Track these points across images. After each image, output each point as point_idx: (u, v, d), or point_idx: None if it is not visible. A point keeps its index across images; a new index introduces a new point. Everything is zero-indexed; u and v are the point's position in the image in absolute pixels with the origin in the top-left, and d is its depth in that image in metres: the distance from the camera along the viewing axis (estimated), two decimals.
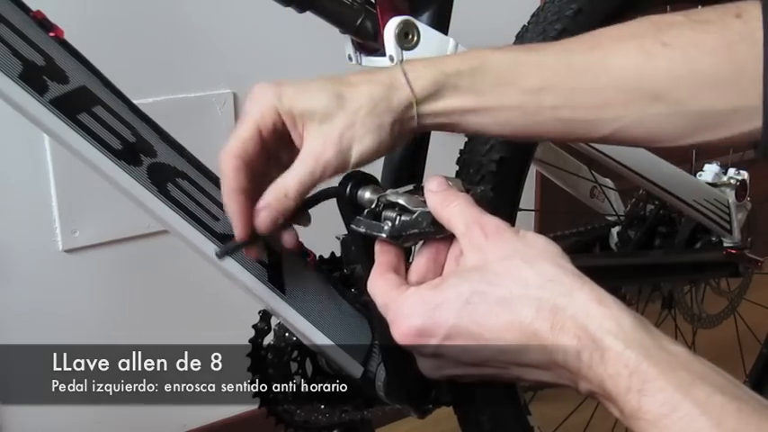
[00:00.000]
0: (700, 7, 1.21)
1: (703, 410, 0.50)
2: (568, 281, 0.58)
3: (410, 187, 0.71)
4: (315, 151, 0.70)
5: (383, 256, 0.69)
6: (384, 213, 0.69)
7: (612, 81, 0.70)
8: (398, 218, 0.67)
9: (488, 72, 0.71)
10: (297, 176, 0.70)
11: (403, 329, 0.62)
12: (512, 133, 0.74)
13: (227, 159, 0.70)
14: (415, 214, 0.67)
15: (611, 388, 0.53)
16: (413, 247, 0.71)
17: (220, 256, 0.77)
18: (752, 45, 0.66)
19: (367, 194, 0.72)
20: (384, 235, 0.67)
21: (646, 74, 0.69)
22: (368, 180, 0.73)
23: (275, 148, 0.73)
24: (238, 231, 0.73)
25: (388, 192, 0.70)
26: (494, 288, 0.59)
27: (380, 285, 0.66)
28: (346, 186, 0.72)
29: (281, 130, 0.71)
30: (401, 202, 0.68)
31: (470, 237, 0.63)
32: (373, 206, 0.70)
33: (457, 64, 0.71)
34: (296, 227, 0.78)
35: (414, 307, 0.62)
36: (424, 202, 0.68)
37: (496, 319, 0.58)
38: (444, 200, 0.66)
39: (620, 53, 0.70)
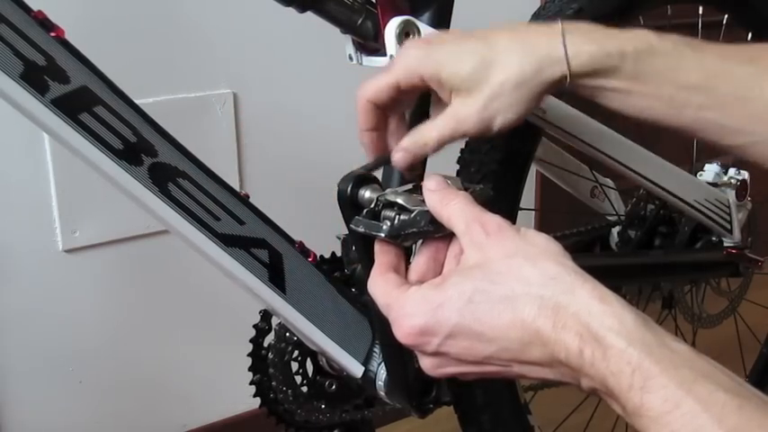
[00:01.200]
0: (701, 9, 1.21)
1: (705, 407, 0.49)
2: (570, 279, 0.58)
3: (409, 186, 0.71)
4: (459, 115, 0.72)
5: (383, 255, 0.69)
6: (383, 213, 0.69)
7: (763, 98, 0.71)
8: (397, 217, 0.67)
9: (652, 58, 0.71)
10: (438, 132, 0.73)
11: (405, 329, 0.62)
12: (650, 119, 0.75)
13: (360, 100, 0.75)
14: (414, 213, 0.67)
15: (613, 385, 0.53)
16: (413, 247, 0.71)
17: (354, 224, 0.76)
18: None
19: (367, 194, 0.72)
20: (383, 234, 0.67)
21: None
22: (368, 179, 0.73)
23: (412, 95, 0.76)
24: (396, 154, 0.77)
25: (388, 191, 0.70)
26: (496, 286, 0.59)
27: (381, 285, 0.66)
28: (347, 186, 0.72)
29: (422, 86, 0.74)
30: (400, 201, 0.68)
31: (471, 235, 0.63)
32: (372, 206, 0.70)
33: (622, 44, 0.71)
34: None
35: (415, 306, 0.62)
36: (423, 201, 0.68)
37: (499, 317, 0.58)
38: (443, 198, 0.66)
39: None
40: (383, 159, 0.78)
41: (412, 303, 0.62)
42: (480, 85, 0.71)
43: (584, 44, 0.71)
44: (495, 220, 0.63)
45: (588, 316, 0.55)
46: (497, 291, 0.59)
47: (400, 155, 0.75)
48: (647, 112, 0.74)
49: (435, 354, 0.63)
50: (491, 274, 0.60)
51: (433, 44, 0.74)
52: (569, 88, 0.73)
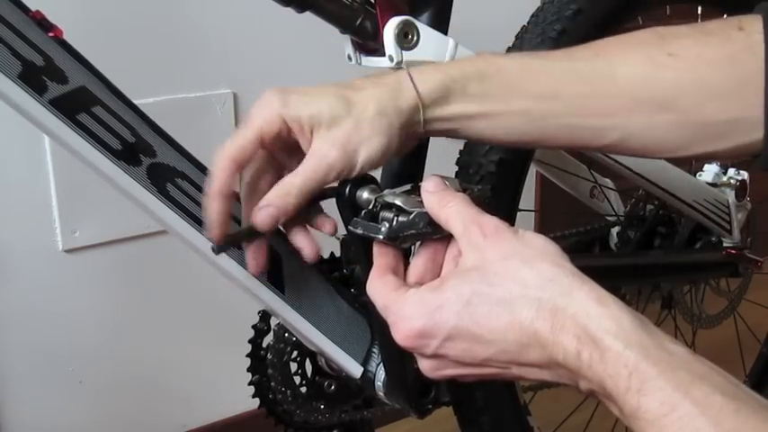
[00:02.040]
0: (699, 9, 1.22)
1: (702, 410, 0.49)
2: (568, 281, 0.58)
3: (407, 187, 0.71)
4: (321, 154, 0.70)
5: (381, 257, 0.69)
6: (381, 214, 0.69)
7: (619, 89, 0.70)
8: (396, 219, 0.67)
9: (496, 77, 0.71)
10: (301, 177, 0.71)
11: (404, 331, 0.62)
12: (517, 140, 0.75)
13: (220, 160, 0.71)
14: (412, 215, 0.67)
15: (610, 387, 0.53)
16: (411, 248, 0.71)
17: (216, 251, 0.77)
18: (754, 57, 0.67)
19: (365, 195, 0.72)
20: (381, 236, 0.67)
21: (652, 83, 0.70)
22: (366, 181, 0.73)
23: (280, 154, 0.74)
24: (213, 230, 0.74)
25: (386, 192, 0.70)
26: (494, 288, 0.59)
27: (379, 287, 0.66)
28: (345, 187, 0.72)
29: (286, 138, 0.72)
30: (398, 202, 0.68)
31: (469, 237, 0.63)
32: (370, 207, 0.70)
33: (464, 68, 0.72)
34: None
35: (414, 309, 0.62)
36: (422, 202, 0.68)
37: (497, 319, 0.59)
38: (441, 200, 0.66)
39: (627, 62, 0.71)
40: (247, 231, 0.76)
41: (410, 306, 0.62)
42: (340, 119, 0.70)
43: (429, 73, 0.72)
44: (492, 221, 0.63)
45: (586, 318, 0.55)
46: (495, 293, 0.59)
47: (265, 211, 0.71)
48: (514, 132, 0.73)
49: (434, 356, 0.63)
50: (489, 276, 0.60)
51: (289, 91, 0.72)
52: (429, 127, 0.73)
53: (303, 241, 0.77)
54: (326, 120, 0.70)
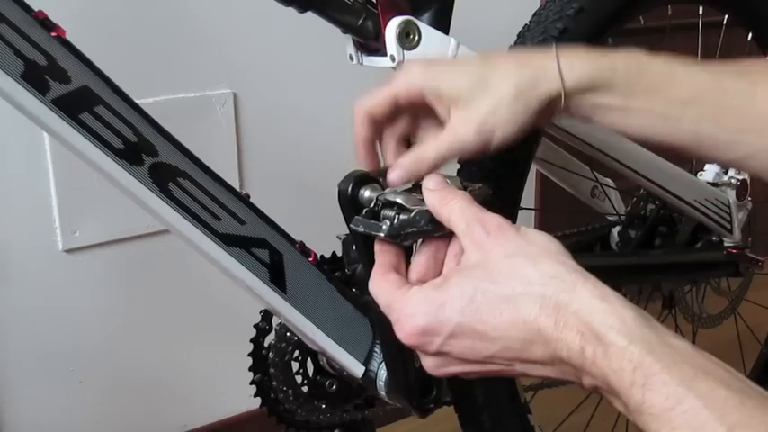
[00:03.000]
0: (701, 9, 1.21)
1: (707, 404, 0.50)
2: (571, 277, 0.58)
3: (409, 186, 0.72)
4: (457, 131, 0.73)
5: (383, 255, 0.69)
6: (383, 212, 0.69)
7: (757, 109, 0.72)
8: (397, 217, 0.68)
9: (644, 75, 0.73)
10: (436, 149, 0.74)
11: (407, 329, 0.63)
12: (648, 137, 0.76)
13: (357, 111, 0.76)
14: (414, 213, 0.67)
15: (614, 383, 0.53)
16: (413, 246, 0.71)
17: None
18: None
19: (366, 193, 0.72)
20: (382, 234, 0.67)
21: None
22: (368, 179, 0.73)
23: (409, 112, 0.77)
24: (366, 163, 0.78)
25: (387, 191, 0.71)
26: (497, 286, 0.60)
27: (382, 285, 0.66)
28: (347, 186, 0.72)
29: (420, 104, 0.75)
30: (399, 200, 0.68)
31: (471, 234, 0.63)
32: (372, 205, 0.70)
33: (613, 61, 0.73)
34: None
35: (417, 306, 0.62)
36: (423, 200, 0.68)
37: (500, 316, 0.59)
38: (443, 198, 0.66)
39: None
40: (383, 172, 0.77)
41: (414, 304, 0.63)
42: (478, 99, 0.72)
43: (577, 61, 0.73)
44: (495, 219, 0.64)
45: (589, 314, 0.55)
46: (499, 290, 0.59)
47: (397, 172, 0.74)
48: (645, 129, 0.75)
49: (437, 353, 0.64)
50: (492, 274, 0.60)
51: (433, 62, 0.76)
52: (566, 109, 0.74)
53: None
54: (465, 98, 0.72)
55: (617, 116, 0.74)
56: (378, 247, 0.70)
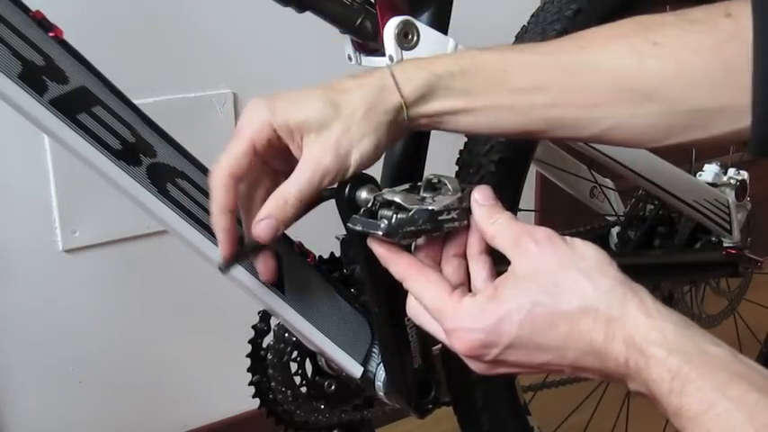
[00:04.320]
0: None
1: (738, 407, 0.53)
2: (620, 292, 0.61)
3: (406, 186, 0.72)
4: (313, 159, 0.70)
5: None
6: (380, 212, 0.70)
7: (603, 81, 0.71)
8: (395, 216, 0.68)
9: (479, 72, 0.72)
10: (296, 184, 0.71)
11: (467, 343, 0.65)
12: (503, 131, 0.76)
13: (218, 177, 0.71)
14: (412, 212, 0.67)
15: (655, 390, 0.57)
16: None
17: (224, 270, 0.77)
18: (741, 44, 0.67)
19: (364, 194, 0.72)
20: (380, 232, 0.68)
21: (636, 73, 0.70)
22: (365, 180, 0.73)
23: (271, 161, 0.74)
24: (224, 249, 0.75)
25: (385, 191, 0.71)
26: (553, 299, 0.62)
27: (427, 287, 0.68)
28: (345, 187, 0.72)
29: (277, 144, 0.72)
30: (397, 200, 0.68)
31: (519, 246, 0.65)
32: (370, 205, 0.70)
33: (447, 65, 0.72)
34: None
35: (476, 321, 0.64)
36: (421, 200, 0.69)
37: (557, 329, 0.62)
38: (490, 216, 0.68)
39: (611, 53, 0.71)
40: (251, 246, 0.76)
41: (471, 317, 0.65)
42: (330, 121, 0.70)
43: (413, 71, 0.72)
44: (543, 230, 0.66)
45: (634, 329, 0.59)
46: (555, 304, 0.62)
47: (264, 223, 0.71)
48: (499, 125, 0.74)
49: (492, 362, 0.66)
50: (547, 286, 0.62)
51: (274, 97, 0.73)
52: (414, 121, 0.73)
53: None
54: (315, 125, 0.70)
55: (465, 118, 0.73)
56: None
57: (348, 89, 0.72)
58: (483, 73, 0.72)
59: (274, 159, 0.74)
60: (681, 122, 0.71)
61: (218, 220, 0.72)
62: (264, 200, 0.72)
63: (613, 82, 0.70)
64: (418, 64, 0.73)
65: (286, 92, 0.73)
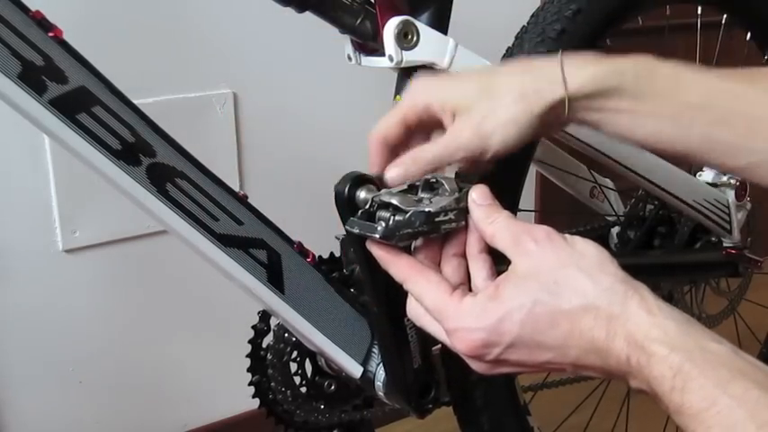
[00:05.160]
0: (699, 9, 1.21)
1: (739, 404, 0.53)
2: (622, 290, 0.61)
3: (404, 186, 0.72)
4: (455, 132, 0.73)
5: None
6: (378, 213, 0.70)
7: (766, 114, 0.71)
8: (392, 218, 0.68)
9: (653, 78, 0.72)
10: (433, 149, 0.73)
11: (468, 343, 0.65)
12: (660, 143, 0.75)
13: (371, 140, 0.76)
14: (409, 214, 0.67)
15: (657, 388, 0.57)
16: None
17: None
18: None
19: (362, 195, 0.72)
20: (377, 235, 0.67)
21: None
22: (365, 180, 0.73)
23: (421, 130, 0.77)
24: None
25: (382, 192, 0.71)
26: (554, 298, 0.62)
27: (427, 288, 0.68)
28: (344, 187, 0.72)
29: (427, 121, 0.75)
30: (394, 202, 0.68)
31: (519, 245, 0.65)
32: (367, 206, 0.70)
33: (620, 65, 0.72)
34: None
35: (478, 320, 0.64)
36: (418, 201, 0.69)
37: (558, 327, 0.62)
38: (488, 216, 0.68)
39: None
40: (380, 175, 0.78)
41: (473, 317, 0.65)
42: (479, 103, 0.72)
43: (583, 66, 0.72)
44: (542, 228, 0.66)
45: (636, 326, 0.59)
46: (556, 302, 0.62)
47: (394, 170, 0.74)
48: (655, 133, 0.74)
49: (493, 361, 0.66)
50: (548, 285, 0.62)
51: (438, 79, 0.77)
52: (572, 115, 0.73)
53: None
54: (467, 104, 0.73)
55: (626, 120, 0.73)
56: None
57: (510, 72, 0.74)
58: (657, 79, 0.72)
59: (424, 130, 0.77)
60: None
61: (373, 171, 0.76)
62: None
63: None
64: (590, 60, 0.73)
65: (450, 74, 0.80)
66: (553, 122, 0.74)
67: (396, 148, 0.76)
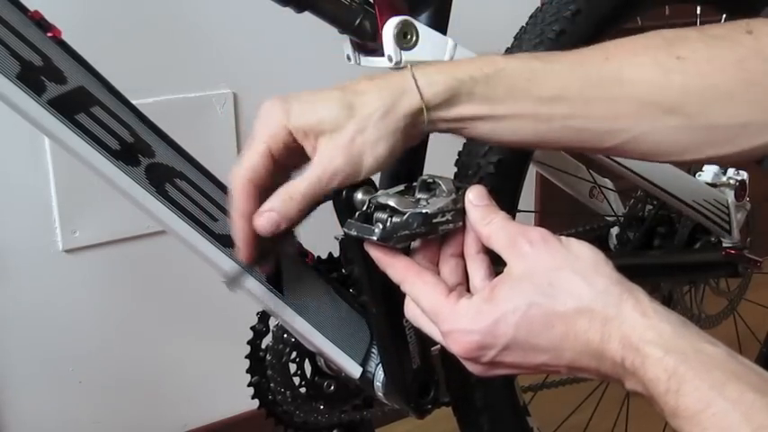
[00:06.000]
0: (698, 9, 1.21)
1: (735, 407, 0.53)
2: (617, 291, 0.61)
3: (401, 188, 0.72)
4: (324, 159, 0.70)
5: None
6: (375, 215, 0.69)
7: (626, 93, 0.70)
8: (389, 220, 0.68)
9: (503, 80, 0.71)
10: (304, 182, 0.70)
11: (463, 345, 0.65)
12: (522, 140, 0.75)
13: (238, 184, 0.71)
14: (406, 215, 0.67)
15: (652, 390, 0.57)
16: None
17: (230, 285, 0.77)
18: (763, 61, 0.68)
19: (359, 196, 0.72)
20: (375, 238, 0.67)
21: (660, 87, 0.70)
22: (362, 181, 0.73)
23: (288, 162, 0.73)
24: (245, 254, 0.74)
25: (380, 193, 0.71)
26: (549, 300, 0.62)
27: (423, 289, 0.68)
28: (341, 188, 0.72)
29: (293, 146, 0.71)
30: (391, 203, 0.68)
31: (514, 247, 0.65)
32: (365, 208, 0.70)
33: (471, 70, 0.71)
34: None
35: (472, 322, 0.64)
36: (415, 202, 0.69)
37: (553, 329, 0.62)
38: (484, 217, 0.68)
39: (635, 66, 0.71)
40: (265, 249, 0.75)
41: (468, 319, 0.65)
42: (345, 122, 0.69)
43: (435, 75, 0.71)
44: (538, 231, 0.65)
45: (630, 329, 0.59)
46: (551, 304, 0.62)
47: (266, 216, 0.70)
48: (520, 134, 0.73)
49: (489, 363, 0.66)
50: (543, 287, 0.62)
51: (288, 98, 0.72)
52: (433, 125, 0.72)
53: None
54: (329, 127, 0.69)
55: (484, 125, 0.72)
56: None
57: (365, 91, 0.71)
58: (506, 80, 0.71)
59: (291, 160, 0.73)
60: (702, 138, 0.71)
61: (239, 225, 0.72)
62: None
63: (636, 95, 0.70)
64: (441, 68, 0.73)
65: (301, 93, 0.72)
66: (416, 134, 0.73)
67: (265, 192, 0.71)
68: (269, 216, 0.70)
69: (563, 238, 0.65)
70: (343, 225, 0.72)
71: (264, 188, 0.71)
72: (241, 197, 0.71)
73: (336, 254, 0.99)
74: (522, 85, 0.71)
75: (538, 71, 0.72)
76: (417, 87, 0.71)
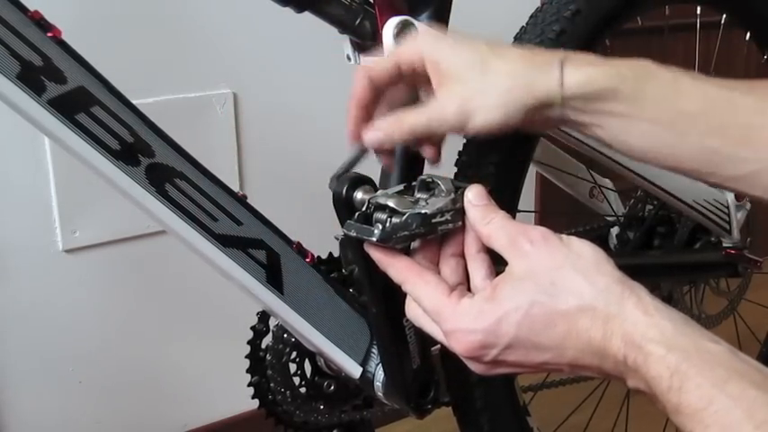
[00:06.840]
0: (698, 9, 1.21)
1: (736, 404, 0.53)
2: (618, 290, 0.61)
3: (400, 188, 0.72)
4: (440, 103, 0.73)
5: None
6: (375, 216, 0.70)
7: (766, 125, 0.70)
8: (389, 220, 0.68)
9: (653, 83, 0.71)
10: (415, 117, 0.74)
11: (465, 344, 0.65)
12: (648, 149, 0.74)
13: (359, 73, 0.77)
14: (405, 216, 0.67)
15: (654, 387, 0.57)
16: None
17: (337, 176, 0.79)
18: None
19: (359, 196, 0.72)
20: (374, 239, 0.67)
21: None
22: (362, 181, 0.73)
23: (413, 81, 0.77)
24: (350, 132, 0.79)
25: (379, 193, 0.71)
26: (551, 298, 0.62)
27: (425, 289, 0.68)
28: (341, 188, 0.72)
29: (421, 73, 0.75)
30: (391, 204, 0.68)
31: (515, 246, 0.65)
32: (364, 208, 0.70)
33: (620, 68, 0.72)
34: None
35: (474, 322, 0.64)
36: (414, 202, 0.69)
37: (555, 328, 0.62)
38: (484, 217, 0.68)
39: None
40: (360, 153, 0.79)
41: (470, 318, 0.65)
42: (471, 78, 0.72)
43: (582, 67, 0.72)
44: (538, 230, 0.66)
45: (633, 327, 0.59)
46: (553, 303, 0.62)
47: (373, 133, 0.75)
48: (649, 139, 0.73)
49: (491, 362, 0.66)
50: (544, 286, 0.62)
51: (442, 36, 0.76)
52: (564, 115, 0.73)
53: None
54: (459, 73, 0.72)
55: (620, 124, 0.72)
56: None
57: (508, 57, 0.73)
58: (655, 84, 0.71)
59: (415, 81, 0.77)
60: None
61: (351, 107, 0.78)
62: (393, 107, 0.78)
63: None
64: (590, 60, 0.73)
65: (455, 34, 0.77)
66: (540, 120, 0.74)
67: (369, 107, 0.77)
68: (375, 135, 0.76)
69: (564, 236, 0.65)
70: (342, 225, 0.72)
71: (381, 88, 0.77)
72: (357, 84, 0.77)
73: (336, 254, 0.99)
74: (668, 94, 0.71)
75: (685, 83, 0.72)
76: (561, 73, 0.71)
